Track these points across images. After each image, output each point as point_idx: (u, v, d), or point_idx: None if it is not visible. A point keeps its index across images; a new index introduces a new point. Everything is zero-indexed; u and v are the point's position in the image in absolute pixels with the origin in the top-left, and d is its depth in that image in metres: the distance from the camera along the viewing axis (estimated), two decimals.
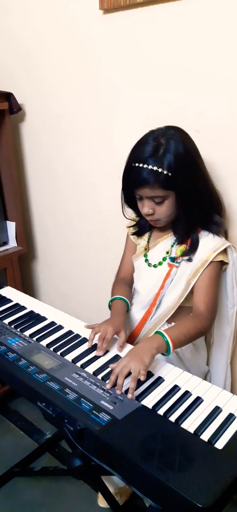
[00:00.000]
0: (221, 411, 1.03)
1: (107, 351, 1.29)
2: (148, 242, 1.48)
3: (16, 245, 2.15)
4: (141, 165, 1.27)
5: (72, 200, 2.03)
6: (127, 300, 1.46)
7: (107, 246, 1.92)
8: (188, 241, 1.37)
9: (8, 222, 2.14)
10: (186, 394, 1.09)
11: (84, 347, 1.31)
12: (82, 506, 1.71)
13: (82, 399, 1.07)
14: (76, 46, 1.76)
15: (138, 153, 1.30)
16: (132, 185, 1.33)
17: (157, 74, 1.53)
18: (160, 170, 1.25)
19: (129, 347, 1.29)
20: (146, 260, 1.47)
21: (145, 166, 1.26)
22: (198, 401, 1.06)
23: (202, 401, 1.06)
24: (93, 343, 1.31)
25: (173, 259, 1.39)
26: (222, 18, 1.33)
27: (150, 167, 1.25)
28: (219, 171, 1.46)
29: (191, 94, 1.46)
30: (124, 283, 1.55)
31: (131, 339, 1.45)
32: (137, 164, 1.28)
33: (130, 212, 1.48)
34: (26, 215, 2.27)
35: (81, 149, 1.90)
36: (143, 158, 1.27)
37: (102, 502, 1.68)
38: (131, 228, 1.53)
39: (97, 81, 1.73)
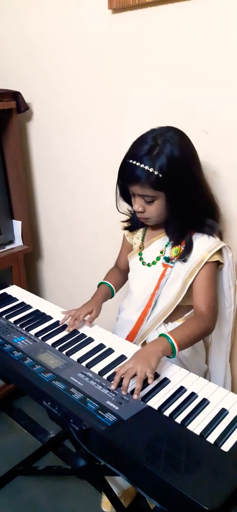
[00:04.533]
0: (227, 413, 1.02)
1: (77, 332, 1.39)
2: (142, 240, 1.50)
3: (22, 244, 2.15)
4: (134, 162, 1.28)
5: (78, 200, 2.03)
6: (111, 285, 1.54)
7: (113, 246, 1.91)
8: (182, 242, 1.38)
9: (14, 221, 2.14)
10: (192, 395, 1.08)
11: (90, 346, 1.31)
12: (85, 506, 1.71)
13: (87, 399, 1.06)
14: (84, 45, 1.76)
15: (135, 150, 1.31)
16: (125, 180, 1.36)
17: (166, 74, 1.53)
18: (151, 170, 1.26)
19: (134, 348, 1.28)
20: (141, 259, 1.48)
21: (138, 164, 1.27)
22: (204, 402, 1.05)
23: (209, 403, 1.06)
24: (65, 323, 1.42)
25: (167, 259, 1.40)
26: (233, 18, 1.32)
27: (142, 166, 1.26)
28: (226, 173, 1.45)
29: (201, 95, 1.45)
30: (118, 270, 1.63)
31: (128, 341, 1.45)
32: (131, 161, 1.29)
33: (124, 207, 1.49)
34: (32, 214, 2.27)
35: (88, 148, 1.90)
36: (138, 156, 1.28)
37: (105, 507, 1.68)
38: (125, 223, 1.55)
39: (105, 80, 1.73)
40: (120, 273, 1.62)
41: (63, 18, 1.81)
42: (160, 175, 1.26)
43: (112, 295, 1.55)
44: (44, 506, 1.73)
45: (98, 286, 1.56)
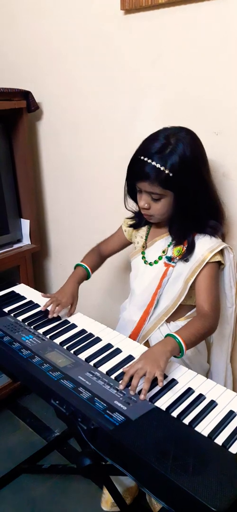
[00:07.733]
0: (235, 415, 1.02)
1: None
2: (146, 240, 1.51)
3: (30, 243, 2.16)
4: (145, 159, 1.29)
5: (87, 200, 2.04)
6: (88, 268, 1.57)
7: None
8: (185, 243, 1.39)
9: (22, 219, 2.15)
10: (200, 397, 1.08)
11: (98, 346, 1.31)
12: (89, 505, 1.72)
13: (95, 398, 1.07)
14: (96, 45, 1.76)
15: (146, 147, 1.32)
16: (134, 176, 1.36)
17: (177, 75, 1.53)
18: (162, 168, 1.27)
19: (142, 349, 1.28)
20: (143, 257, 1.49)
21: (149, 161, 1.28)
22: (212, 404, 1.06)
23: (216, 405, 1.06)
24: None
25: (169, 259, 1.41)
26: None
27: (153, 163, 1.27)
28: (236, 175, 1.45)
29: (212, 96, 1.45)
30: (98, 252, 1.65)
31: None
32: (142, 157, 1.30)
33: (131, 204, 1.50)
34: (40, 214, 2.28)
35: (97, 148, 1.91)
36: (150, 153, 1.29)
37: (105, 505, 1.68)
38: (129, 220, 1.56)
39: (117, 81, 1.73)
40: (100, 256, 1.65)
41: (74, 18, 1.81)
42: (171, 174, 1.27)
43: (88, 277, 1.59)
44: (48, 504, 1.73)
45: (75, 267, 1.59)
